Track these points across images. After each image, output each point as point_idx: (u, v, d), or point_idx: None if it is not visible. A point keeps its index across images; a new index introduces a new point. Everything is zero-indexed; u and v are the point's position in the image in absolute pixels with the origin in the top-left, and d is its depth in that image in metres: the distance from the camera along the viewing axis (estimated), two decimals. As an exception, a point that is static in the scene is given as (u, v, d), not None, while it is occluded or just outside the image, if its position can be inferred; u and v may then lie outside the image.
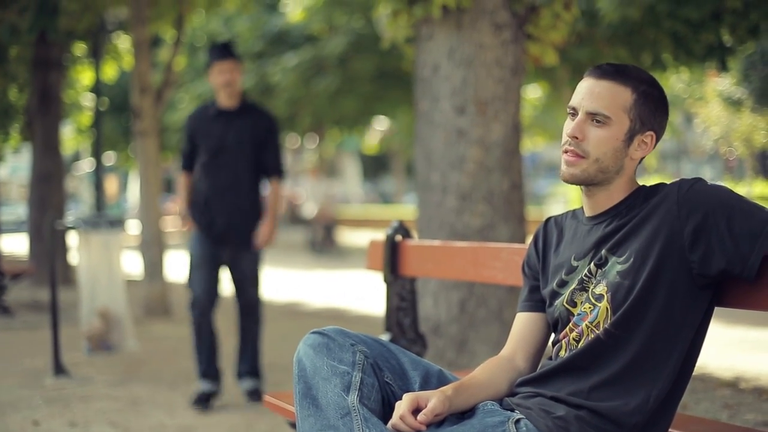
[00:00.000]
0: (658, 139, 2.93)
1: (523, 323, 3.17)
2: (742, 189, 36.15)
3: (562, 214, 3.18)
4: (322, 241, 26.89)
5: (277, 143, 7.58)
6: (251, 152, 7.42)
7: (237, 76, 7.37)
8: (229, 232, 7.44)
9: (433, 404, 2.79)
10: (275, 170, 7.54)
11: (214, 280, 7.56)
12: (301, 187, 36.12)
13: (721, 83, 45.21)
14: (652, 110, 2.91)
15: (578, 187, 2.97)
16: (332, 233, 27.23)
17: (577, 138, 2.90)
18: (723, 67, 14.09)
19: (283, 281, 18.69)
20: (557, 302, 3.00)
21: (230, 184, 7.42)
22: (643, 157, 2.92)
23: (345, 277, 18.85)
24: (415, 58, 7.15)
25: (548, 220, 3.20)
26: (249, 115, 7.49)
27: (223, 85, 7.34)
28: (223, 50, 7.40)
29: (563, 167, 2.93)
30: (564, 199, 31.80)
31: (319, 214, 27.22)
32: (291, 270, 21.26)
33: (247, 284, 7.64)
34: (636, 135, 2.91)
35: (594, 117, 2.89)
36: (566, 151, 2.93)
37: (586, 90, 2.91)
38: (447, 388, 2.88)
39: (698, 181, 2.82)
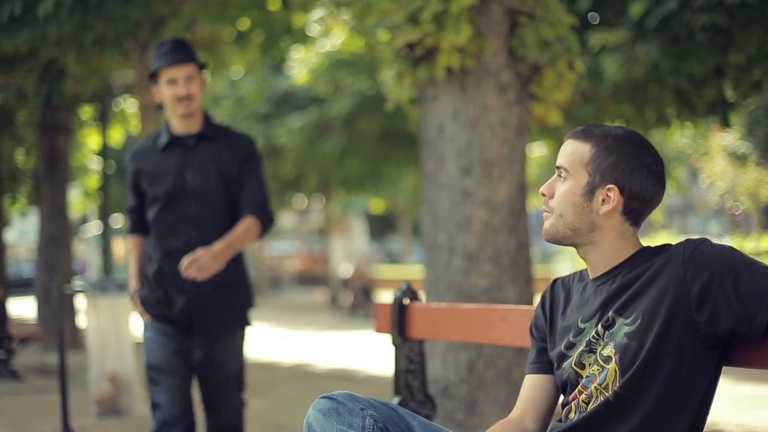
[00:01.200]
0: (633, 194, 2.92)
1: (532, 385, 3.16)
2: (749, 244, 36.07)
3: (570, 275, 3.19)
4: (356, 303, 26.24)
5: (260, 176, 5.46)
6: (222, 195, 5.30)
7: (195, 88, 5.22)
8: (195, 316, 5.25)
9: None
10: (254, 207, 5.34)
11: (185, 393, 5.29)
12: (332, 247, 36.03)
13: (726, 138, 45.31)
14: (614, 164, 2.90)
15: None
16: (370, 294, 26.71)
17: (544, 195, 2.99)
18: (725, 123, 14.14)
19: (292, 342, 18.66)
20: (565, 364, 2.99)
21: (191, 244, 5.16)
22: (638, 218, 2.93)
23: (353, 337, 18.82)
24: (420, 119, 7.18)
25: (555, 281, 3.21)
26: (216, 142, 5.34)
27: (174, 101, 5.19)
28: (173, 51, 5.21)
29: (544, 225, 3.02)
30: (571, 256, 31.74)
31: (356, 274, 26.89)
32: (300, 330, 21.21)
33: (223, 400, 5.37)
34: (596, 189, 2.92)
35: (559, 172, 2.97)
36: (543, 209, 3.02)
37: (560, 149, 3.00)
38: None
39: (703, 242, 2.82)
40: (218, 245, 5.02)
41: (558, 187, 2.98)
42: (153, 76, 5.28)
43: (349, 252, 27.02)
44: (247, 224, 5.21)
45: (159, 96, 5.30)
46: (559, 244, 3.02)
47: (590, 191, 2.93)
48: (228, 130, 5.49)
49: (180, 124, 5.31)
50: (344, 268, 27.97)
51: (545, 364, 3.14)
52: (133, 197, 5.42)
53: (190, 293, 5.18)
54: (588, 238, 2.96)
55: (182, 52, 5.24)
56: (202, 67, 5.37)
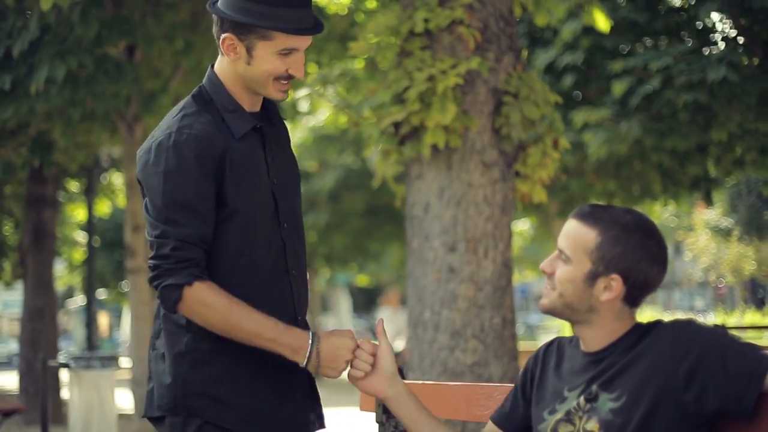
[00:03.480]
0: (636, 283, 2.93)
1: None
2: (732, 318, 36.07)
3: (568, 338, 3.18)
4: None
5: None
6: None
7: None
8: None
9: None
10: None
11: None
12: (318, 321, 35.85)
13: (709, 213, 45.50)
14: (621, 254, 2.88)
15: None
16: None
17: (545, 272, 2.99)
18: (708, 200, 14.26)
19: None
20: (541, 427, 3.00)
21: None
22: (638, 302, 2.95)
23: (338, 414, 18.70)
24: (406, 196, 7.25)
25: (553, 342, 3.20)
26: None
27: (275, 79, 3.18)
28: (304, 5, 3.15)
29: (542, 298, 3.04)
30: (557, 330, 31.73)
31: (405, 350, 26.47)
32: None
33: None
34: (599, 278, 2.90)
35: (561, 254, 2.97)
36: (546, 283, 3.02)
37: (563, 227, 3.00)
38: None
39: (691, 322, 2.84)
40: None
41: (559, 268, 2.97)
42: (242, 27, 3.12)
43: (398, 325, 26.60)
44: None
45: (235, 54, 3.17)
46: (556, 316, 3.02)
47: (592, 278, 2.92)
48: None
49: (251, 103, 3.30)
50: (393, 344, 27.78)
51: (514, 420, 3.15)
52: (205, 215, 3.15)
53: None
54: (585, 318, 2.96)
55: (310, 5, 3.21)
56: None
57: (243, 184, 3.17)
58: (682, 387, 2.75)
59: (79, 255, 25.09)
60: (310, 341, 3.10)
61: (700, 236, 50.19)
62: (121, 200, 18.57)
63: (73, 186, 19.16)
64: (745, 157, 12.55)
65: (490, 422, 3.21)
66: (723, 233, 44.73)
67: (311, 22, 3.16)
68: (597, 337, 2.97)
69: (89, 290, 16.87)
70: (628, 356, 2.86)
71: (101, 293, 32.19)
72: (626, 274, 2.88)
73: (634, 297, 2.92)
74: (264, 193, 3.22)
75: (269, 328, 3.08)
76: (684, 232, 51.58)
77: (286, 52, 3.15)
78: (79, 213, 21.38)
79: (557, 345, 3.18)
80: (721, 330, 2.82)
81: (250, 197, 3.19)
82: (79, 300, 40.76)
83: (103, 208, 20.53)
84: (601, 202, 14.84)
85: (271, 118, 3.35)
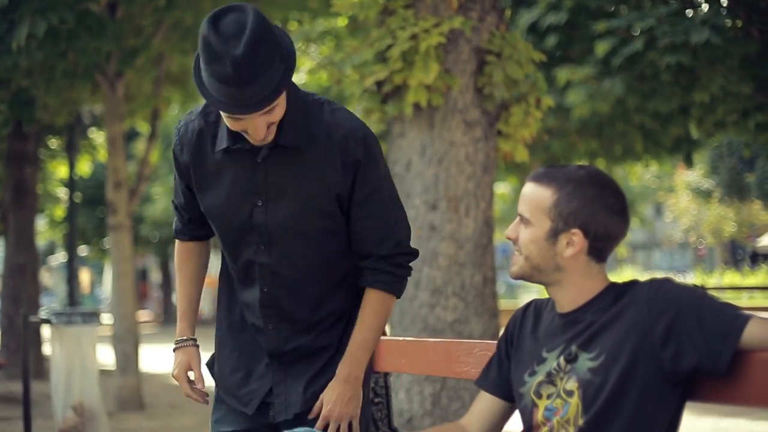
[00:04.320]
0: (598, 236, 2.95)
1: (485, 404, 3.18)
2: (712, 279, 36.24)
3: (545, 299, 3.20)
4: None
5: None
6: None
7: (276, 116, 3.11)
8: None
9: None
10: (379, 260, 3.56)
11: None
12: None
13: (690, 175, 45.64)
14: (578, 208, 2.90)
15: None
16: None
17: (510, 238, 3.03)
18: (689, 162, 14.28)
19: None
20: (523, 390, 3.02)
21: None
22: (604, 255, 2.97)
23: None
24: (388, 154, 7.25)
25: (530, 303, 3.23)
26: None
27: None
28: (237, 83, 2.94)
29: (511, 265, 3.06)
30: (537, 290, 31.83)
31: None
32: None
33: None
34: (560, 234, 2.92)
35: (521, 219, 3.00)
36: (514, 250, 3.05)
37: (521, 192, 3.03)
38: None
39: (668, 281, 2.85)
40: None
41: (521, 232, 3.00)
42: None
43: None
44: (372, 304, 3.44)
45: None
46: (527, 281, 3.05)
47: (553, 236, 2.94)
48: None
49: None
50: None
51: (503, 384, 3.17)
52: None
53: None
54: (554, 278, 2.98)
55: (255, 80, 2.96)
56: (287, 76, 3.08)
57: (209, 193, 3.32)
58: (658, 345, 2.77)
59: (60, 212, 25.02)
60: (179, 340, 3.56)
61: (681, 197, 50.37)
62: (103, 156, 18.51)
63: (55, 143, 19.09)
64: (726, 120, 12.57)
65: (482, 394, 3.23)
66: (704, 195, 44.93)
67: (246, 101, 2.98)
68: (570, 297, 2.98)
69: (71, 247, 16.84)
70: (605, 316, 2.88)
71: (83, 250, 32.18)
72: (585, 227, 2.90)
73: (598, 250, 2.94)
74: (235, 209, 3.28)
75: (179, 305, 3.63)
76: (665, 194, 51.71)
77: (233, 118, 3.07)
78: (60, 170, 21.30)
79: (534, 307, 3.20)
80: (697, 289, 2.84)
81: (217, 207, 3.31)
82: (60, 257, 40.73)
83: (85, 165, 20.44)
84: (582, 163, 14.87)
85: (297, 143, 3.20)
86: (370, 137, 3.25)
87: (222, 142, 3.23)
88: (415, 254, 3.44)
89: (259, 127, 3.05)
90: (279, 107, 3.08)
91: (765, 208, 42.12)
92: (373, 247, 3.34)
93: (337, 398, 3.29)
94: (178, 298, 3.63)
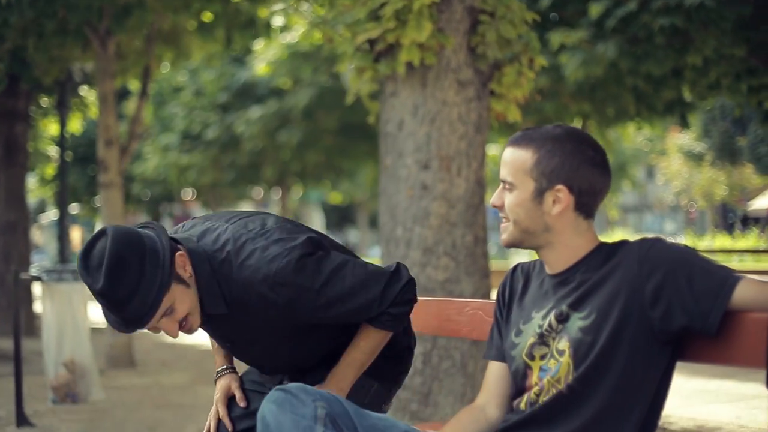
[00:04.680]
0: (582, 190, 2.95)
1: (496, 372, 3.18)
2: (703, 242, 36.30)
3: (531, 262, 3.21)
4: None
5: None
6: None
7: (181, 312, 3.32)
8: None
9: None
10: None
11: None
12: None
13: (682, 138, 45.65)
14: (559, 165, 2.93)
15: None
16: None
17: (496, 206, 3.03)
18: (684, 123, 14.26)
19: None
20: (515, 353, 3.03)
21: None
22: (591, 210, 2.98)
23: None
24: (380, 113, 7.24)
25: (516, 267, 3.23)
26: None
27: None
28: (113, 307, 3.20)
29: (501, 234, 3.06)
30: (527, 251, 31.88)
31: None
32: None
33: None
34: (545, 193, 2.94)
35: (505, 184, 3.01)
36: (501, 218, 3.05)
37: (501, 159, 3.04)
38: None
39: (658, 240, 2.86)
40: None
41: (506, 198, 3.01)
42: None
43: None
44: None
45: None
46: (519, 248, 3.05)
47: (539, 195, 2.95)
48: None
49: None
50: None
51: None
52: None
53: None
54: (545, 240, 2.99)
55: (122, 309, 3.19)
56: (170, 267, 3.26)
57: None
58: (649, 304, 2.78)
59: (51, 170, 24.97)
60: (219, 370, 3.77)
61: (673, 160, 50.39)
62: (94, 114, 18.45)
63: (46, 101, 19.01)
64: (719, 82, 12.55)
65: (490, 364, 3.23)
66: (695, 158, 44.94)
67: (130, 322, 3.18)
68: (560, 257, 2.99)
69: (61, 205, 16.79)
70: (596, 275, 2.89)
71: (74, 208, 32.12)
72: (569, 182, 2.92)
73: (584, 205, 2.95)
74: (221, 343, 3.76)
75: (213, 342, 3.86)
76: (657, 156, 51.74)
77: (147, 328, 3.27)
78: (51, 128, 21.23)
79: (521, 270, 3.21)
80: (688, 248, 2.85)
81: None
82: (51, 215, 40.68)
83: (76, 123, 20.38)
84: (575, 125, 14.87)
85: (223, 310, 3.38)
86: (281, 275, 3.27)
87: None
88: (406, 285, 3.49)
89: (170, 328, 3.28)
90: (179, 303, 3.26)
91: (756, 171, 42.16)
92: (362, 318, 3.47)
93: None
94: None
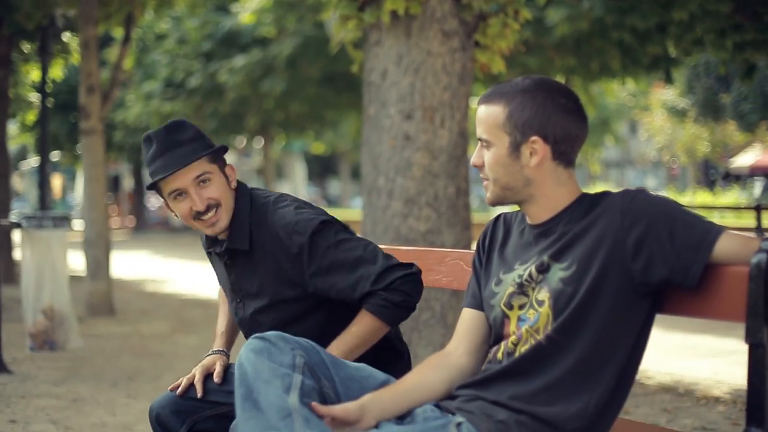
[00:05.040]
0: (558, 138, 2.93)
1: (468, 319, 3.18)
2: (684, 198, 36.40)
3: (513, 213, 3.21)
4: None
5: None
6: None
7: (215, 189, 3.69)
8: None
9: (338, 409, 2.84)
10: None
11: None
12: (272, 188, 35.70)
13: (666, 94, 45.63)
14: (531, 116, 2.92)
15: None
16: None
17: (477, 166, 3.04)
18: (668, 78, 14.22)
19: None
20: (494, 301, 3.03)
21: None
22: (570, 158, 2.96)
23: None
24: (364, 63, 7.20)
25: (498, 217, 3.23)
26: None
27: (190, 219, 3.74)
28: (165, 149, 3.65)
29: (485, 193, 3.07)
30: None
31: None
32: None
33: None
34: (521, 146, 2.94)
35: (482, 143, 3.00)
36: (481, 178, 3.05)
37: (476, 118, 3.03)
38: (366, 397, 2.93)
39: (641, 192, 2.85)
40: None
41: (485, 156, 3.01)
42: (153, 187, 3.75)
43: (289, 192, 26.72)
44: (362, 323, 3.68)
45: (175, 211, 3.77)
46: (503, 204, 3.04)
47: (515, 149, 2.94)
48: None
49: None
50: None
51: (482, 300, 3.17)
52: None
53: None
54: (527, 193, 2.97)
55: (179, 146, 3.64)
56: (220, 150, 3.74)
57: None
58: (630, 256, 2.77)
59: (32, 116, 24.83)
60: (213, 351, 3.95)
61: (656, 116, 50.42)
62: (76, 60, 18.31)
63: (28, 47, 18.86)
64: (704, 38, 12.51)
65: (463, 311, 3.23)
66: (679, 114, 44.94)
67: (175, 165, 3.58)
68: (542, 208, 2.99)
69: (42, 152, 16.69)
70: (578, 226, 2.88)
71: (55, 155, 31.99)
72: (543, 132, 2.92)
73: (561, 153, 2.94)
74: (230, 300, 3.91)
75: (219, 325, 4.11)
76: (640, 112, 51.74)
77: (175, 194, 3.63)
78: (33, 74, 21.07)
79: (503, 221, 3.21)
80: (670, 200, 2.84)
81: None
82: (32, 162, 40.52)
83: (58, 70, 20.23)
84: (559, 79, 14.84)
85: (244, 246, 3.69)
86: (302, 225, 3.61)
87: (204, 246, 3.90)
88: (411, 275, 3.64)
89: (197, 199, 3.60)
90: (213, 186, 3.64)
91: (739, 128, 42.18)
92: (356, 293, 3.60)
93: None
94: (219, 319, 4.13)
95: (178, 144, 3.61)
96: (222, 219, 3.66)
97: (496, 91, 3.00)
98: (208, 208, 3.63)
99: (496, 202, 3.04)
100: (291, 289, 3.68)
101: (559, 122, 2.93)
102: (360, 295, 3.58)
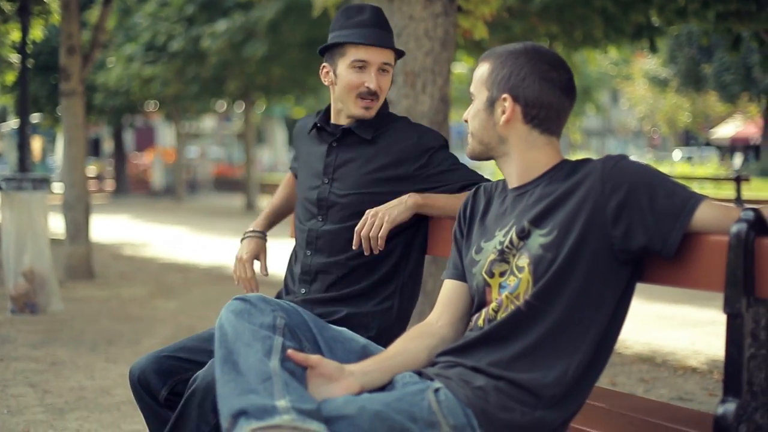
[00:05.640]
0: (529, 102, 2.97)
1: (449, 290, 3.20)
2: (664, 168, 36.47)
3: (493, 183, 3.23)
4: None
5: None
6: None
7: (386, 83, 3.98)
8: None
9: (315, 358, 2.85)
10: None
11: None
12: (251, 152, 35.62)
13: (648, 63, 45.65)
14: (508, 75, 2.99)
15: None
16: None
17: (466, 121, 3.12)
18: (652, 47, 14.21)
19: (207, 245, 18.65)
20: (475, 270, 3.03)
21: None
22: (546, 125, 2.98)
23: (269, 243, 18.85)
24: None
25: (478, 188, 3.25)
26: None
27: (354, 92, 3.93)
28: (374, 25, 3.91)
29: None
30: (491, 170, 31.98)
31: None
32: (217, 235, 21.21)
33: None
34: (494, 102, 3.01)
35: (471, 97, 3.08)
36: None
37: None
38: (351, 366, 2.92)
39: (623, 158, 2.86)
40: None
41: (471, 109, 3.09)
42: (327, 50, 3.96)
43: (269, 158, 26.66)
44: None
45: (328, 78, 3.98)
46: (480, 159, 3.09)
47: (490, 105, 3.02)
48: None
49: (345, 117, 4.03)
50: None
51: (463, 270, 3.18)
52: None
53: None
54: (501, 151, 3.03)
55: (385, 29, 3.91)
56: (400, 55, 4.04)
57: (300, 166, 4.13)
58: (610, 222, 2.78)
59: (12, 77, 24.68)
60: (252, 230, 4.24)
61: (638, 86, 50.49)
62: (56, 20, 18.18)
63: (7, 5, 18.72)
64: (687, 8, 12.50)
65: (444, 283, 3.24)
66: (660, 84, 45.02)
67: (379, 40, 3.84)
68: (518, 169, 3.02)
69: (22, 113, 16.59)
70: (558, 191, 2.89)
71: (35, 117, 31.82)
72: (514, 92, 2.99)
73: (533, 117, 2.99)
74: (311, 181, 3.99)
75: (269, 206, 4.39)
76: (622, 81, 51.80)
77: (359, 65, 3.83)
78: (13, 34, 20.92)
79: (483, 190, 3.23)
80: (652, 168, 2.84)
81: (301, 177, 4.09)
82: (12, 123, 40.31)
83: (38, 30, 20.07)
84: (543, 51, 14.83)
85: (373, 135, 3.91)
86: (432, 130, 4.00)
87: (311, 126, 4.10)
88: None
89: (375, 79, 3.82)
90: (387, 79, 3.91)
91: (720, 99, 42.32)
92: (459, 184, 3.85)
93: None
94: (271, 201, 4.40)
95: (386, 29, 3.91)
96: (374, 109, 3.91)
97: (492, 51, 3.10)
98: (374, 93, 3.87)
99: (473, 156, 3.12)
100: (385, 184, 3.85)
101: (531, 85, 2.97)
102: (468, 183, 3.81)
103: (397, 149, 3.88)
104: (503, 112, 2.99)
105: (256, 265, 4.21)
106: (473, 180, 3.81)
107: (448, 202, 3.77)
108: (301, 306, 3.52)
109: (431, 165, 3.86)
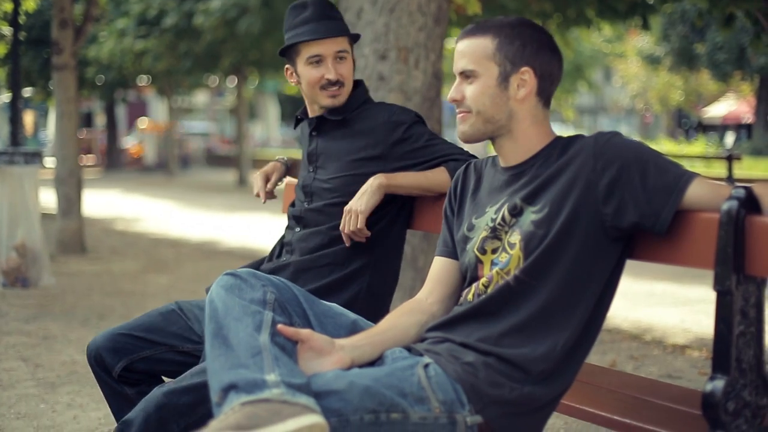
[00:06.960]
0: (544, 74, 2.96)
1: (439, 267, 3.20)
2: (656, 146, 36.47)
3: (483, 159, 3.21)
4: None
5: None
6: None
7: (347, 69, 4.08)
8: None
9: (305, 332, 2.84)
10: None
11: None
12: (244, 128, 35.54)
13: (641, 41, 45.61)
14: (521, 48, 2.95)
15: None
16: None
17: (456, 101, 3.02)
18: (645, 25, 14.20)
19: (199, 220, 18.64)
20: (468, 247, 3.03)
21: None
22: (548, 98, 2.98)
23: (260, 218, 18.85)
24: (339, 1, 7.14)
25: (468, 165, 3.24)
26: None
27: (316, 87, 4.05)
28: (318, 18, 4.02)
29: (458, 127, 3.05)
30: (482, 146, 31.91)
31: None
32: (209, 210, 21.20)
33: None
34: (510, 76, 2.95)
35: (464, 74, 2.99)
36: (458, 113, 3.04)
37: (455, 53, 3.05)
38: (342, 340, 2.93)
39: (615, 135, 2.86)
40: None
41: (468, 89, 3.00)
42: (285, 52, 4.11)
43: (261, 134, 26.61)
44: None
45: (293, 79, 4.14)
46: (478, 141, 3.04)
47: (504, 80, 2.95)
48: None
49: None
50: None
51: (454, 248, 3.19)
52: None
53: None
54: (507, 128, 2.98)
55: (331, 19, 4.03)
56: (355, 39, 4.18)
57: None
58: (601, 199, 2.78)
59: (3, 50, 24.59)
60: (276, 159, 4.51)
61: (631, 64, 50.44)
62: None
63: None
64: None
65: (435, 260, 3.24)
66: (653, 62, 44.96)
67: (327, 32, 3.95)
68: (517, 148, 3.00)
69: (14, 87, 16.53)
70: (551, 169, 2.89)
71: (27, 91, 31.72)
72: (533, 64, 2.96)
73: (544, 90, 2.99)
74: (303, 171, 4.18)
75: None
76: (614, 59, 51.74)
77: (315, 60, 3.96)
78: (5, 5, 20.84)
79: (474, 167, 3.21)
80: (644, 145, 2.84)
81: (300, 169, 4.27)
82: (4, 97, 40.18)
83: (30, 2, 20.01)
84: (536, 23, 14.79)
85: (345, 117, 4.04)
86: (407, 109, 4.04)
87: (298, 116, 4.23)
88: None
89: (332, 69, 3.94)
90: (347, 65, 4.01)
91: (713, 78, 42.31)
92: (442, 155, 3.94)
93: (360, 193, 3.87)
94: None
95: (332, 17, 4.02)
96: (342, 96, 4.01)
97: (481, 25, 3.03)
98: (336, 82, 3.97)
99: (473, 137, 3.04)
100: (365, 165, 3.96)
101: (545, 57, 2.98)
102: (444, 159, 3.91)
103: (371, 129, 3.98)
104: (519, 86, 2.96)
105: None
106: (450, 153, 3.90)
107: (415, 179, 3.87)
108: (283, 272, 3.91)
109: (407, 142, 3.95)
